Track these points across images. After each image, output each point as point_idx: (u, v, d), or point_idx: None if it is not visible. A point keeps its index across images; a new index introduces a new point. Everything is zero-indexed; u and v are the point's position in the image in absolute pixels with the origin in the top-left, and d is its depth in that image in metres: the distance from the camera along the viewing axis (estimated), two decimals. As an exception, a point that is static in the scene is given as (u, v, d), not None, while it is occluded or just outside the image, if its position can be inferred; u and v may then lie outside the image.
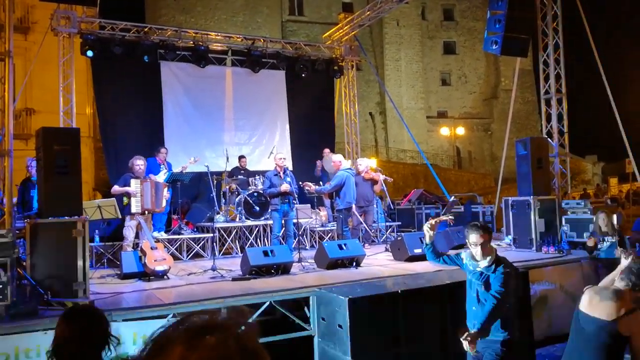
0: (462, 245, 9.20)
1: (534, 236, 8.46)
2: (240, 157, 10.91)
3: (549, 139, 9.93)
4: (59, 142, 5.84)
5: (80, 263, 5.62)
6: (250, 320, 0.94)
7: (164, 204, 7.94)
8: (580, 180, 33.09)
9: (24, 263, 5.51)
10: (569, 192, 10.27)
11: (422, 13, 36.72)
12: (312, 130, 12.80)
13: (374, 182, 9.69)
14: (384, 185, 10.17)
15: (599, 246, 6.88)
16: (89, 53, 10.34)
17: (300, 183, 9.68)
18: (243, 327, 0.91)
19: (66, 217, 5.78)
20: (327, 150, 11.55)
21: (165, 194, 8.01)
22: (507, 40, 9.05)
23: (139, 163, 7.75)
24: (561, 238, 8.53)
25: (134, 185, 7.58)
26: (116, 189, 7.78)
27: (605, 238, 6.86)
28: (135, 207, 7.55)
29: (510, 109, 12.08)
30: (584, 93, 24.76)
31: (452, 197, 11.50)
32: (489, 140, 36.98)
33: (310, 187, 9.37)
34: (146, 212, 7.57)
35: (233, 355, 0.86)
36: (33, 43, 15.27)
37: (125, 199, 7.63)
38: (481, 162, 36.66)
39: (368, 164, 9.98)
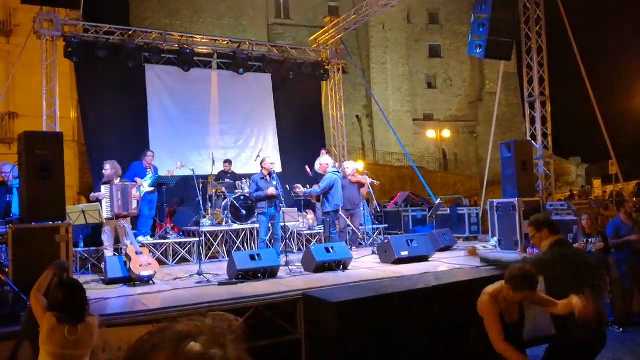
0: (449, 247, 9.26)
1: (518, 238, 8.52)
2: (225, 162, 10.84)
3: (533, 141, 10.03)
4: (41, 146, 5.78)
5: (63, 269, 5.54)
6: (235, 327, 0.94)
7: (134, 205, 7.83)
8: (564, 182, 33.49)
9: (6, 269, 5.43)
10: (553, 194, 10.38)
11: (408, 17, 36.95)
12: (300, 133, 12.78)
13: (360, 185, 9.72)
14: (370, 188, 10.19)
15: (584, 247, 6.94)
16: (73, 57, 10.24)
17: (288, 186, 9.66)
18: (228, 335, 0.90)
19: (49, 222, 5.71)
20: (324, 152, 11.39)
21: (135, 194, 7.92)
22: (491, 44, 9.14)
23: (106, 168, 7.78)
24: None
25: (104, 191, 7.59)
26: (92, 195, 7.94)
27: (590, 239, 6.93)
28: (105, 212, 7.55)
29: (494, 111, 12.20)
30: (567, 95, 25.05)
31: (438, 200, 11.56)
32: (475, 142, 37.28)
33: (299, 189, 9.36)
34: (114, 217, 7.52)
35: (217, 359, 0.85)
36: (16, 46, 15.10)
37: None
38: (467, 165, 36.93)
39: (355, 167, 10.01)
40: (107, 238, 7.64)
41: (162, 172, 9.29)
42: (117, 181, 7.74)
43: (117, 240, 7.79)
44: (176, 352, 0.86)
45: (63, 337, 3.36)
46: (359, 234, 10.03)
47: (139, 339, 0.91)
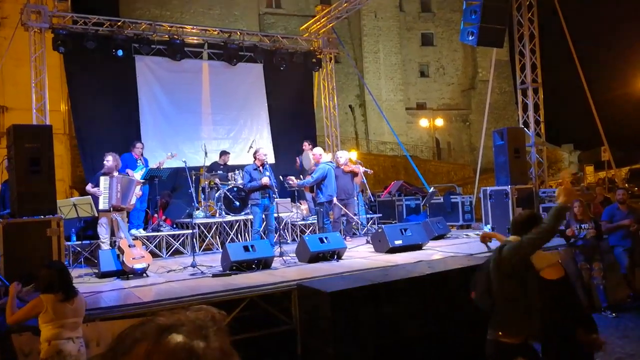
0: (443, 236, 9.28)
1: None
2: (222, 153, 10.76)
3: (525, 128, 10.04)
4: (30, 139, 5.73)
5: (56, 263, 5.52)
6: (218, 320, 0.93)
7: (133, 201, 7.80)
8: (557, 169, 33.59)
9: (-2, 264, 5.39)
10: (545, 181, 10.41)
11: (400, 5, 36.74)
12: (293, 124, 12.74)
13: (354, 174, 9.70)
14: (364, 177, 10.18)
15: (576, 233, 6.97)
16: (61, 49, 10.11)
17: (281, 177, 9.63)
18: (211, 326, 0.89)
19: (40, 216, 5.66)
20: (306, 144, 11.42)
21: (138, 191, 7.88)
22: (483, 31, 9.10)
23: (108, 159, 7.71)
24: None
25: (102, 182, 7.52)
26: (88, 188, 7.79)
27: (582, 225, 6.96)
28: (102, 203, 7.49)
29: (487, 99, 12.18)
30: (559, 82, 25.12)
31: (432, 188, 11.57)
32: (468, 131, 37.30)
33: (293, 181, 9.33)
34: (112, 209, 7.47)
35: (199, 354, 0.84)
36: (4, 38, 14.86)
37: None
38: (460, 153, 36.96)
39: (348, 156, 9.98)
40: (104, 231, 7.57)
41: (153, 164, 9.23)
42: (115, 174, 7.69)
43: (112, 233, 7.74)
44: (157, 344, 0.85)
45: (66, 308, 3.94)
46: (353, 223, 10.03)
47: (120, 333, 0.90)
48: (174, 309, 0.96)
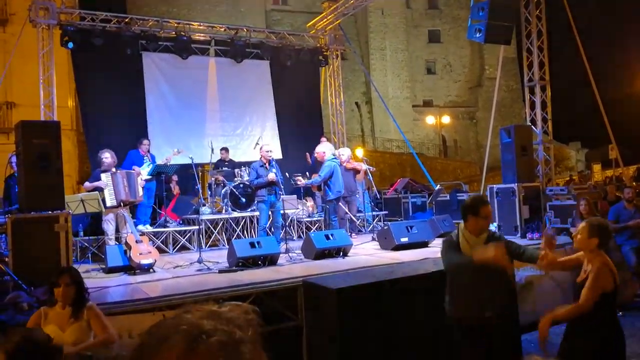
0: (449, 233, 9.25)
1: (518, 223, 8.53)
2: (222, 149, 10.79)
3: (532, 126, 9.99)
4: (38, 135, 5.76)
5: (63, 258, 5.56)
6: (253, 321, 0.91)
7: (140, 192, 7.85)
8: (564, 167, 33.46)
9: (6, 259, 5.43)
10: (552, 179, 10.37)
11: (407, 1, 36.66)
12: (299, 120, 12.74)
13: (356, 172, 9.69)
14: (370, 175, 10.17)
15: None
16: (69, 45, 10.15)
17: (287, 174, 9.64)
18: (245, 331, 0.88)
19: (48, 212, 5.70)
20: (324, 139, 11.37)
21: (141, 182, 7.92)
22: (491, 28, 9.05)
23: (106, 156, 7.74)
24: (545, 224, 8.61)
25: (104, 179, 7.54)
26: (87, 185, 7.82)
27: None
28: (109, 200, 7.50)
29: (494, 97, 12.13)
30: (567, 80, 24.94)
31: (438, 186, 11.54)
32: (475, 128, 37.18)
33: (301, 180, 9.34)
34: (122, 203, 7.50)
35: (233, 356, 0.84)
36: (12, 35, 14.94)
37: (101, 194, 7.59)
38: (467, 151, 36.85)
39: (350, 153, 9.98)
40: (111, 227, 7.61)
41: (160, 160, 9.27)
42: (113, 169, 7.72)
43: (117, 230, 7.78)
44: (188, 350, 0.83)
45: None
46: (357, 221, 10.02)
47: (151, 327, 0.88)
48: (209, 303, 0.93)
